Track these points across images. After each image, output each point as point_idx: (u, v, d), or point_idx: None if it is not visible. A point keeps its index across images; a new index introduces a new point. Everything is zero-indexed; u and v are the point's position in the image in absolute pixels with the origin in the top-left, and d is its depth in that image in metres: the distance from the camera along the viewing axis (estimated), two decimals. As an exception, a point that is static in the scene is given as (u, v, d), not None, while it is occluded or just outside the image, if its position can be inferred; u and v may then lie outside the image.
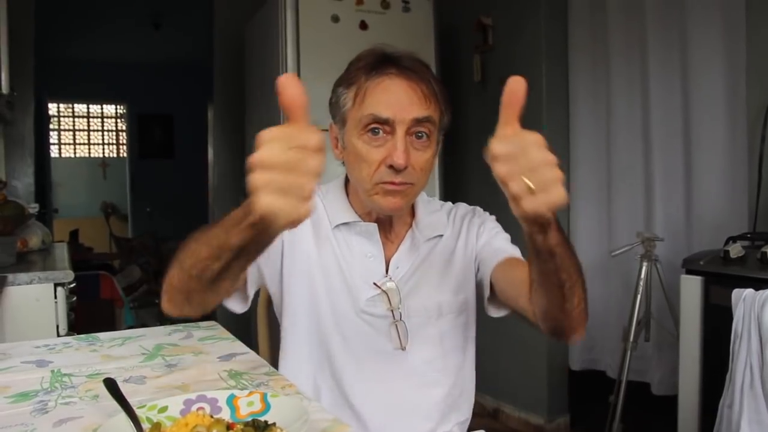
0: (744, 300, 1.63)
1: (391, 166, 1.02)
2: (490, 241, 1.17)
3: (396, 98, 1.03)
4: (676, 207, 2.43)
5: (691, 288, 1.84)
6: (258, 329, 1.36)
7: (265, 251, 0.88)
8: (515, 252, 1.15)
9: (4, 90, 2.22)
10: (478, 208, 1.25)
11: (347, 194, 1.16)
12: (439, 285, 1.16)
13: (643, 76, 2.50)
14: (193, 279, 0.84)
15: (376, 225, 1.12)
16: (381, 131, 1.03)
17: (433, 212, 1.20)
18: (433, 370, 1.16)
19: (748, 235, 1.97)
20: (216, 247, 0.78)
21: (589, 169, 2.79)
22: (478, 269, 1.18)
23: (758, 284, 1.65)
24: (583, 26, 2.77)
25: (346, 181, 1.17)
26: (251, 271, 1.07)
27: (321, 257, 1.13)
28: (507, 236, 1.20)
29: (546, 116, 2.80)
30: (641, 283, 2.29)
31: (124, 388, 0.84)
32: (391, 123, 1.02)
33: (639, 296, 2.29)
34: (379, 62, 1.05)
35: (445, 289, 1.16)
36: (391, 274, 1.14)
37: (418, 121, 1.03)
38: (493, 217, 1.24)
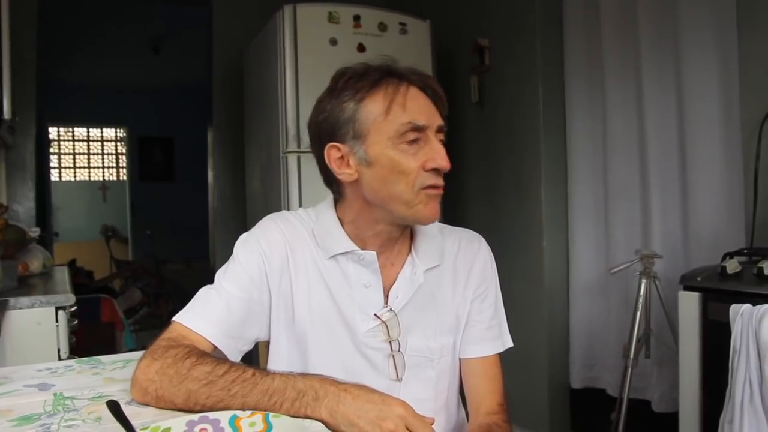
0: (742, 315, 1.63)
1: (432, 170, 1.02)
2: (481, 317, 1.18)
3: (425, 105, 1.05)
4: (673, 224, 2.44)
5: (689, 304, 1.85)
6: (259, 349, 1.36)
7: (250, 315, 1.04)
8: (494, 343, 1.20)
9: (7, 115, 2.23)
10: (483, 243, 1.22)
11: (340, 221, 1.12)
12: (439, 323, 1.14)
13: (638, 96, 2.53)
14: (198, 407, 0.90)
15: (375, 253, 1.09)
16: (417, 139, 1.03)
17: (432, 237, 1.17)
18: (422, 409, 1.11)
19: (745, 251, 1.98)
20: (249, 406, 0.87)
21: (587, 187, 2.81)
22: (466, 323, 1.18)
23: (755, 299, 1.65)
24: (579, 47, 2.81)
25: (334, 205, 1.14)
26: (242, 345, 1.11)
27: (312, 298, 1.10)
28: (500, 306, 1.22)
29: (543, 136, 2.81)
30: (641, 299, 2.28)
31: (127, 411, 0.85)
32: (424, 129, 1.03)
33: (639, 313, 2.29)
34: (389, 73, 1.06)
35: (445, 328, 1.15)
36: (390, 304, 1.10)
37: (440, 128, 1.06)
38: (495, 272, 1.22)
